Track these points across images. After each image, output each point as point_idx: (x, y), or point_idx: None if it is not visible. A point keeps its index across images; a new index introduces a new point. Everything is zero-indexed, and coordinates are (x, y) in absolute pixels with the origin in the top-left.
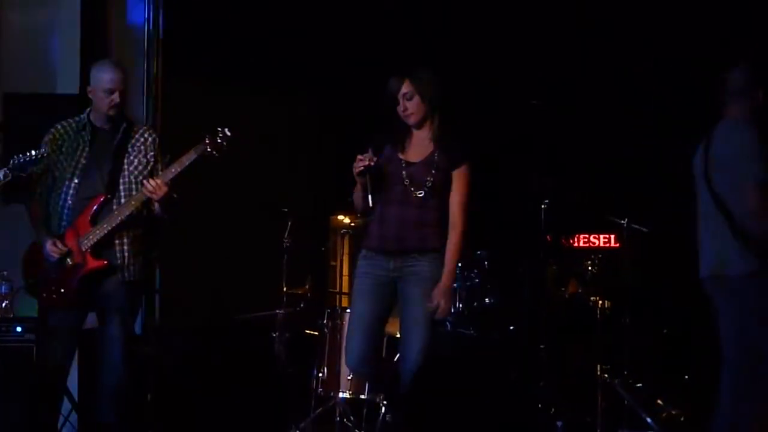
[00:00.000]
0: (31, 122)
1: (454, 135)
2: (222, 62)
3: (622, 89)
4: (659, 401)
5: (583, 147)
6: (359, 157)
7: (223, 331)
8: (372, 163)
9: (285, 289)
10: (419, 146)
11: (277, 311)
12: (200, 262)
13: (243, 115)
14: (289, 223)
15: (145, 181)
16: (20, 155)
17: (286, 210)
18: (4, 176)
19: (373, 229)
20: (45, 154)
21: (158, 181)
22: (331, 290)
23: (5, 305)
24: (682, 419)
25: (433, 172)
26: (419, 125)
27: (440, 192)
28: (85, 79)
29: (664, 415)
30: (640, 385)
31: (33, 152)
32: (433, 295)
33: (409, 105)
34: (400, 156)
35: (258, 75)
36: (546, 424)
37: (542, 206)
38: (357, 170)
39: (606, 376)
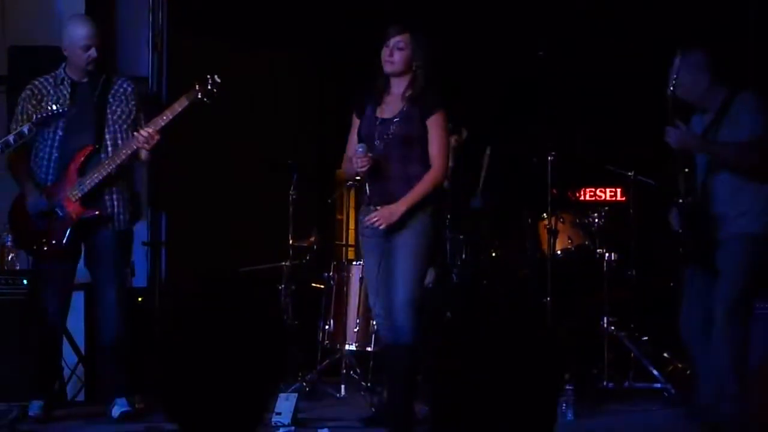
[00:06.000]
0: (36, 75)
1: (429, 88)
2: (227, 16)
3: (629, 41)
4: (665, 354)
5: (590, 99)
6: (359, 157)
7: (229, 284)
8: (370, 161)
9: (291, 241)
10: (393, 103)
11: (283, 264)
12: (207, 216)
13: (249, 68)
14: (295, 176)
15: (137, 133)
16: (43, 111)
17: (291, 163)
18: (29, 131)
19: (366, 185)
20: (66, 110)
21: (150, 131)
22: (338, 243)
23: (11, 258)
24: (688, 372)
25: (403, 125)
26: (394, 75)
27: (417, 144)
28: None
29: (670, 368)
30: (647, 338)
31: (55, 107)
32: (379, 211)
33: (397, 55)
34: (377, 114)
35: (263, 29)
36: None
37: (549, 159)
38: (364, 170)
39: (612, 328)
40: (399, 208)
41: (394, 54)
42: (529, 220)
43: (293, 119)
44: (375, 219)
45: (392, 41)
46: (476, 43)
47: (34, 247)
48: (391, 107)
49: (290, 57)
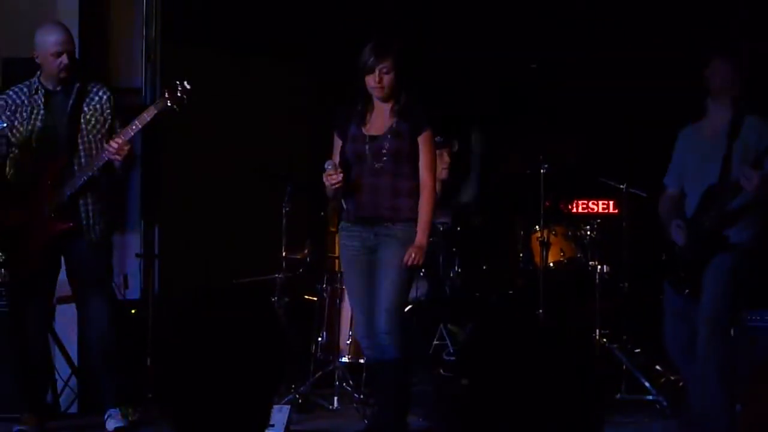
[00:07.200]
0: None
1: (416, 104)
2: (221, 26)
3: (622, 53)
4: (658, 366)
5: (583, 111)
6: (329, 173)
7: (223, 296)
8: (342, 175)
9: (284, 253)
10: (381, 119)
11: (277, 276)
12: (200, 228)
13: (242, 80)
14: (288, 189)
15: (107, 145)
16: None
17: (285, 175)
18: None
19: (349, 200)
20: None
21: (120, 142)
22: (330, 255)
23: (4, 271)
24: (680, 384)
25: (394, 140)
26: (385, 99)
27: (407, 160)
28: (84, 43)
29: (662, 380)
30: (639, 350)
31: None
32: (409, 250)
33: (385, 80)
34: (364, 131)
35: (257, 40)
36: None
37: (541, 171)
38: (334, 186)
39: (605, 340)
40: (422, 240)
41: (383, 79)
42: (522, 233)
43: (287, 130)
44: (413, 258)
45: (378, 68)
46: (469, 55)
47: (11, 263)
48: (377, 124)
49: (284, 68)
